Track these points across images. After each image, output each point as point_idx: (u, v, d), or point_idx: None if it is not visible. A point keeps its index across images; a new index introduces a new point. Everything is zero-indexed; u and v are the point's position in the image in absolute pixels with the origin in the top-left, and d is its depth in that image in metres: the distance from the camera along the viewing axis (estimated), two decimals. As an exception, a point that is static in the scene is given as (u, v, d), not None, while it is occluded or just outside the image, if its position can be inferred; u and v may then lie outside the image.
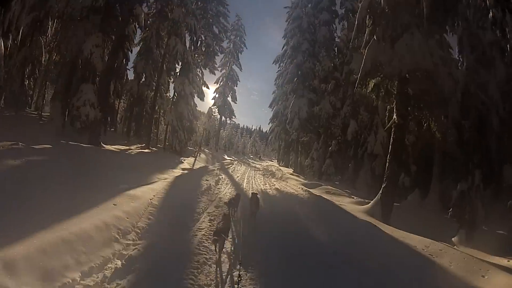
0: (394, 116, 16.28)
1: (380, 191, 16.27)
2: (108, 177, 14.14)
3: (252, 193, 13.45)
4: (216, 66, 47.43)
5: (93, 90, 22.13)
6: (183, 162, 28.81)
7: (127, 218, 9.39)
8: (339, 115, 33.34)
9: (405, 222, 15.04)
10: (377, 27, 16.57)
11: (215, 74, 46.73)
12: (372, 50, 16.35)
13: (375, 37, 16.61)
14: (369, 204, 16.64)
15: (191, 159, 33.66)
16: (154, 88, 34.66)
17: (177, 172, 22.16)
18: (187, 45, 33.46)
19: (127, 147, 27.53)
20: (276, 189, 21.48)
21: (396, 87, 16.66)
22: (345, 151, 32.75)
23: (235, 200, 12.43)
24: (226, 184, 20.80)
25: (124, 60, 32.56)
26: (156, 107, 36.18)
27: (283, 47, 45.84)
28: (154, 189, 13.48)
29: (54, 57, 27.09)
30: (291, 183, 24.94)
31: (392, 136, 16.45)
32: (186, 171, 23.49)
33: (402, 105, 16.24)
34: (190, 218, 11.23)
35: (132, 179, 14.74)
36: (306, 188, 21.18)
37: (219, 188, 18.40)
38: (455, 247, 12.26)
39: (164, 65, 33.99)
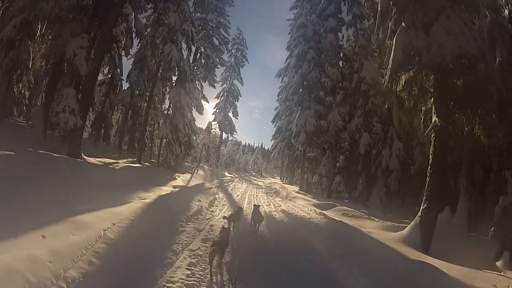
0: (434, 118, 12.55)
1: (419, 214, 12.40)
2: (69, 195, 10.53)
3: (254, 205, 12.74)
4: (216, 79, 43.86)
5: (74, 95, 18.98)
6: (176, 179, 25.06)
7: (50, 262, 5.61)
8: (349, 127, 29.67)
9: (440, 247, 11.64)
10: (403, 14, 13.20)
11: (215, 88, 43.29)
12: (403, 38, 12.82)
13: (403, 24, 13.02)
14: (405, 230, 12.63)
15: (187, 176, 29.90)
16: (147, 99, 30.99)
17: (166, 190, 18.35)
18: (185, 54, 30.94)
19: (115, 161, 23.84)
20: (283, 211, 17.83)
21: (433, 81, 13.08)
22: (356, 166, 29.00)
23: (237, 214, 11.52)
24: (223, 205, 17.10)
25: (118, 70, 30.77)
26: (149, 119, 32.56)
27: (286, 60, 44.04)
28: (119, 214, 9.62)
29: (40, 62, 24.80)
30: (300, 203, 21.13)
31: (432, 143, 12.61)
32: (177, 189, 19.69)
33: (442, 104, 12.62)
34: (161, 261, 7.32)
35: (102, 199, 11.12)
36: (319, 210, 17.35)
37: (212, 212, 14.61)
38: (502, 273, 9.51)
39: (159, 74, 30.47)
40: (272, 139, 50.08)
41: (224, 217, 11.53)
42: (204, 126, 46.36)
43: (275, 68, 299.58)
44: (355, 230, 12.57)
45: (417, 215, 12.46)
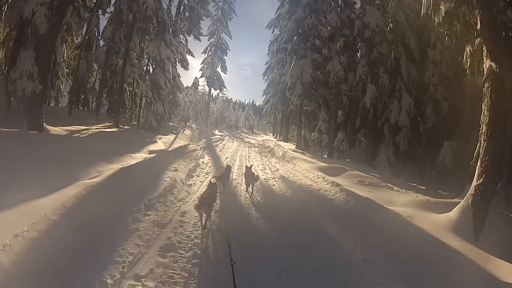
0: (488, 63, 8.61)
1: (472, 191, 8.66)
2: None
3: (246, 166, 11.68)
4: (202, 31, 38.95)
5: (33, 57, 15.88)
6: (156, 142, 21.32)
7: None
8: (351, 79, 25.83)
9: (493, 236, 8.17)
10: None
11: (200, 41, 38.37)
12: None
13: None
14: (452, 213, 8.81)
15: (171, 137, 26.07)
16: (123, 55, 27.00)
17: (138, 157, 14.68)
18: (165, 6, 27.11)
19: (86, 128, 20.40)
20: (282, 177, 14.07)
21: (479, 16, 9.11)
22: (359, 122, 25.21)
23: (225, 172, 10.96)
24: (206, 174, 13.42)
25: (95, 30, 28.68)
26: (127, 77, 28.93)
27: (277, 10, 41.30)
28: (41, 210, 5.96)
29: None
30: (301, 166, 17.28)
31: (488, 96, 8.63)
32: (152, 155, 15.96)
33: (495, 44, 8.70)
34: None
35: (41, 182, 8.11)
36: (328, 177, 13.44)
37: (190, 186, 10.87)
38: None
39: (135, 26, 26.11)
40: (263, 94, 47.12)
41: (214, 177, 10.18)
42: (190, 83, 42.32)
43: (264, 25, 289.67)
44: (391, 215, 8.66)
45: (469, 193, 8.74)
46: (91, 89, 31.05)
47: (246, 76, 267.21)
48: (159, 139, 22.70)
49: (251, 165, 11.94)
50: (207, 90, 52.64)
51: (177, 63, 31.59)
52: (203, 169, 14.28)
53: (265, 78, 46.42)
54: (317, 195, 10.94)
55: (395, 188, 13.57)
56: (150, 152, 17.11)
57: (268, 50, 47.03)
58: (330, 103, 26.49)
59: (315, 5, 29.71)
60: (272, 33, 44.23)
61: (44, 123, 16.09)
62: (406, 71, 22.58)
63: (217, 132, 47.52)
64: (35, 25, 15.91)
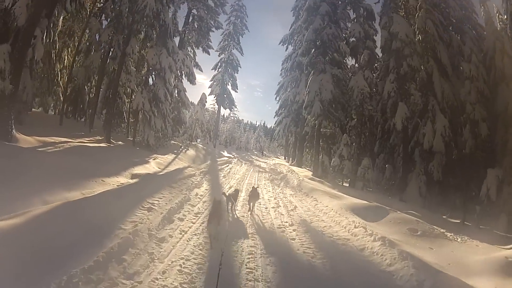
0: None
1: None
2: None
3: (252, 187, 11.76)
4: (211, 44, 35.18)
5: (7, 52, 13.16)
6: (148, 163, 17.58)
7: None
8: (377, 97, 22.11)
9: None
10: None
11: (209, 54, 34.73)
12: None
13: None
14: None
15: (170, 158, 22.13)
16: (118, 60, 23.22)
17: (111, 183, 11.28)
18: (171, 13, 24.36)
19: (69, 140, 16.60)
20: (303, 223, 9.96)
21: None
22: (390, 147, 21.30)
23: (234, 194, 10.81)
24: (195, 216, 9.32)
25: (97, 36, 24.62)
26: (122, 86, 24.73)
27: (291, 26, 37.65)
28: None
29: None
30: (326, 203, 12.84)
31: None
32: (133, 180, 12.44)
33: None
34: None
35: None
36: (367, 224, 9.48)
37: (159, 243, 6.88)
38: None
39: (133, 29, 22.48)
40: (275, 115, 42.57)
41: (223, 193, 10.51)
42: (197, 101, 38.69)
43: (275, 47, 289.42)
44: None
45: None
46: (91, 99, 27.15)
47: (257, 98, 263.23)
48: (153, 160, 18.87)
49: (258, 186, 12.34)
50: (217, 109, 48.64)
51: (183, 76, 28.80)
52: (193, 206, 10.25)
53: (277, 98, 42.27)
54: (363, 265, 6.79)
55: (449, 235, 10.06)
56: (133, 176, 13.41)
57: (281, 69, 43.21)
58: (353, 125, 22.38)
59: (335, 15, 26.10)
60: (286, 50, 40.56)
61: (13, 131, 13.25)
62: (440, 88, 19.14)
63: (225, 153, 43.17)
64: (14, 15, 13.56)
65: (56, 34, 20.69)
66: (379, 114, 22.32)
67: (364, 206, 12.14)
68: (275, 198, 13.73)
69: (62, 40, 23.47)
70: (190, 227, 8.01)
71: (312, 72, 24.69)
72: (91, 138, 20.02)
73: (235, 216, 9.94)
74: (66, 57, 24.09)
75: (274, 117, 44.46)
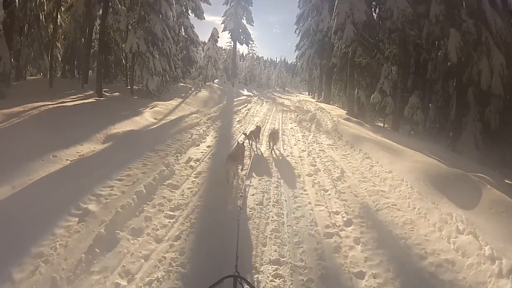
0: None
1: None
2: None
3: (272, 129, 10.81)
4: None
5: None
6: (143, 113, 13.69)
7: None
8: (421, 22, 16.90)
9: None
10: None
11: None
12: None
13: None
14: None
15: (174, 103, 18.03)
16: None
17: (61, 161, 7.15)
18: None
19: (50, 103, 12.41)
20: (363, 211, 5.84)
21: None
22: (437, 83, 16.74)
23: (256, 132, 9.99)
24: (169, 223, 5.05)
25: None
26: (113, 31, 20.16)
27: None
28: None
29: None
30: (382, 161, 8.35)
31: None
32: (104, 145, 8.63)
33: None
34: None
35: None
36: (462, 217, 5.12)
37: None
38: None
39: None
40: (295, 49, 36.99)
41: (244, 133, 10.26)
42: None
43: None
44: None
45: None
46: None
47: (276, 35, 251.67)
48: (150, 109, 14.89)
49: (277, 130, 11.04)
50: (232, 46, 42.91)
51: (189, 12, 24.87)
52: (175, 189, 6.15)
53: (297, 31, 35.83)
54: None
55: None
56: (107, 138, 9.30)
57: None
58: (394, 54, 17.26)
59: None
60: None
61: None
62: (492, 19, 15.24)
63: (244, 92, 37.79)
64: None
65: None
66: (422, 42, 17.07)
67: (442, 174, 7.31)
68: (309, 154, 9.43)
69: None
70: (147, 259, 3.89)
71: (341, -11, 19.19)
72: (80, 95, 16.33)
73: (259, 153, 9.30)
74: (58, 16, 19.52)
75: (295, 51, 38.66)
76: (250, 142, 9.51)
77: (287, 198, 6.02)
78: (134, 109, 13.83)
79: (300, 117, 17.78)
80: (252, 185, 6.51)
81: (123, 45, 19.70)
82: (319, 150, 10.04)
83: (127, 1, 19.88)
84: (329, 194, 6.32)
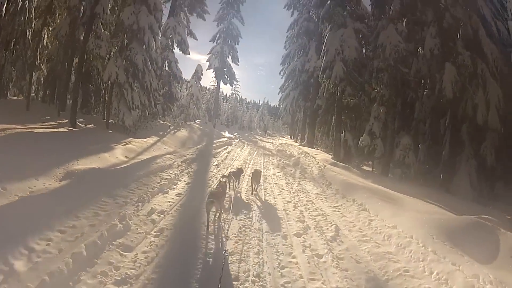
0: None
1: None
2: None
3: (254, 169, 10.63)
4: (207, 9, 29.02)
5: None
6: (112, 150, 12.18)
7: None
8: (412, 60, 16.14)
9: None
10: None
11: (205, 20, 29.00)
12: None
13: None
14: None
15: (150, 141, 16.64)
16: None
17: (9, 197, 5.92)
18: None
19: (15, 127, 11.19)
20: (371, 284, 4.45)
21: None
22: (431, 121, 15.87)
23: (237, 173, 9.91)
24: None
25: None
26: (89, 54, 18.50)
27: None
28: None
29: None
30: (382, 214, 7.02)
31: None
32: (59, 184, 7.25)
33: None
34: None
35: None
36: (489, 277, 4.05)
37: None
38: None
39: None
40: (279, 91, 36.98)
41: (223, 176, 9.03)
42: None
43: (281, 26, 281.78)
44: None
45: None
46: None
47: (260, 77, 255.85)
48: (123, 146, 13.43)
49: (260, 170, 11.09)
50: (216, 85, 42.21)
51: (174, 45, 24.29)
52: (122, 257, 4.65)
53: (282, 73, 36.27)
54: None
55: None
56: (67, 175, 7.99)
57: (287, 33, 36.26)
58: (384, 94, 16.46)
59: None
60: (291, 15, 34.10)
61: None
62: (489, 49, 14.16)
63: (225, 133, 36.44)
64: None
65: (32, 11, 15.75)
66: (412, 79, 16.39)
67: (455, 225, 6.12)
68: (295, 206, 8.10)
69: (42, 18, 18.13)
70: None
71: (330, 26, 18.55)
72: (53, 123, 14.78)
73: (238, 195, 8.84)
74: (45, 36, 18.82)
75: (278, 93, 38.04)
76: (230, 183, 9.02)
77: (271, 270, 4.64)
78: (105, 145, 12.45)
79: (283, 162, 16.63)
80: (227, 250, 5.04)
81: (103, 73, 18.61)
82: (307, 201, 8.77)
83: (112, 28, 18.78)
84: (325, 262, 5.01)
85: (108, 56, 18.05)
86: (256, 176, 9.53)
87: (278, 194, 9.42)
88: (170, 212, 6.61)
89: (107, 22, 18.31)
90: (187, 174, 10.50)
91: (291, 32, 34.91)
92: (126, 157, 12.01)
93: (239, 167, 11.33)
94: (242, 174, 10.57)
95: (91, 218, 5.38)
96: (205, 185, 9.63)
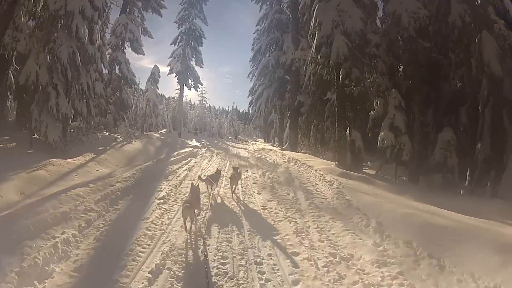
0: None
1: None
2: None
3: (233, 167, 10.18)
4: (163, 3, 24.95)
5: None
6: (8, 180, 7.17)
7: None
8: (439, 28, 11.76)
9: None
10: None
11: (161, 16, 25.00)
12: None
13: None
14: None
15: (81, 161, 10.99)
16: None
17: None
18: None
19: None
20: None
21: None
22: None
23: (215, 176, 8.85)
24: None
25: None
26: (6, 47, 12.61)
27: None
28: None
29: None
30: None
31: None
32: None
33: None
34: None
35: None
36: None
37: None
38: None
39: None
40: (249, 95, 33.64)
41: (199, 177, 8.81)
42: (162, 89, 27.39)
43: (245, 35, 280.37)
44: None
45: None
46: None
47: (227, 85, 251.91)
48: (32, 171, 8.50)
49: (238, 167, 9.83)
50: (180, 90, 36.75)
51: (125, 44, 21.40)
52: None
53: (251, 75, 32.13)
54: None
55: None
56: None
57: (257, 25, 31.75)
58: (407, 74, 11.61)
59: None
60: (260, 10, 30.09)
61: None
62: None
63: (192, 142, 30.31)
64: None
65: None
66: (437, 55, 11.63)
67: None
68: None
69: None
70: None
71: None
72: None
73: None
74: None
75: (248, 97, 34.72)
76: (208, 188, 8.12)
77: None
78: (4, 171, 7.67)
79: (269, 177, 11.48)
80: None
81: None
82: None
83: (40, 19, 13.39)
84: None
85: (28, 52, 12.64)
86: (234, 178, 8.80)
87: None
88: None
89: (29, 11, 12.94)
90: (97, 231, 5.09)
91: (261, 27, 30.71)
92: (21, 193, 6.95)
93: (218, 168, 10.37)
94: (220, 177, 9.52)
95: None
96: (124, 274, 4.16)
